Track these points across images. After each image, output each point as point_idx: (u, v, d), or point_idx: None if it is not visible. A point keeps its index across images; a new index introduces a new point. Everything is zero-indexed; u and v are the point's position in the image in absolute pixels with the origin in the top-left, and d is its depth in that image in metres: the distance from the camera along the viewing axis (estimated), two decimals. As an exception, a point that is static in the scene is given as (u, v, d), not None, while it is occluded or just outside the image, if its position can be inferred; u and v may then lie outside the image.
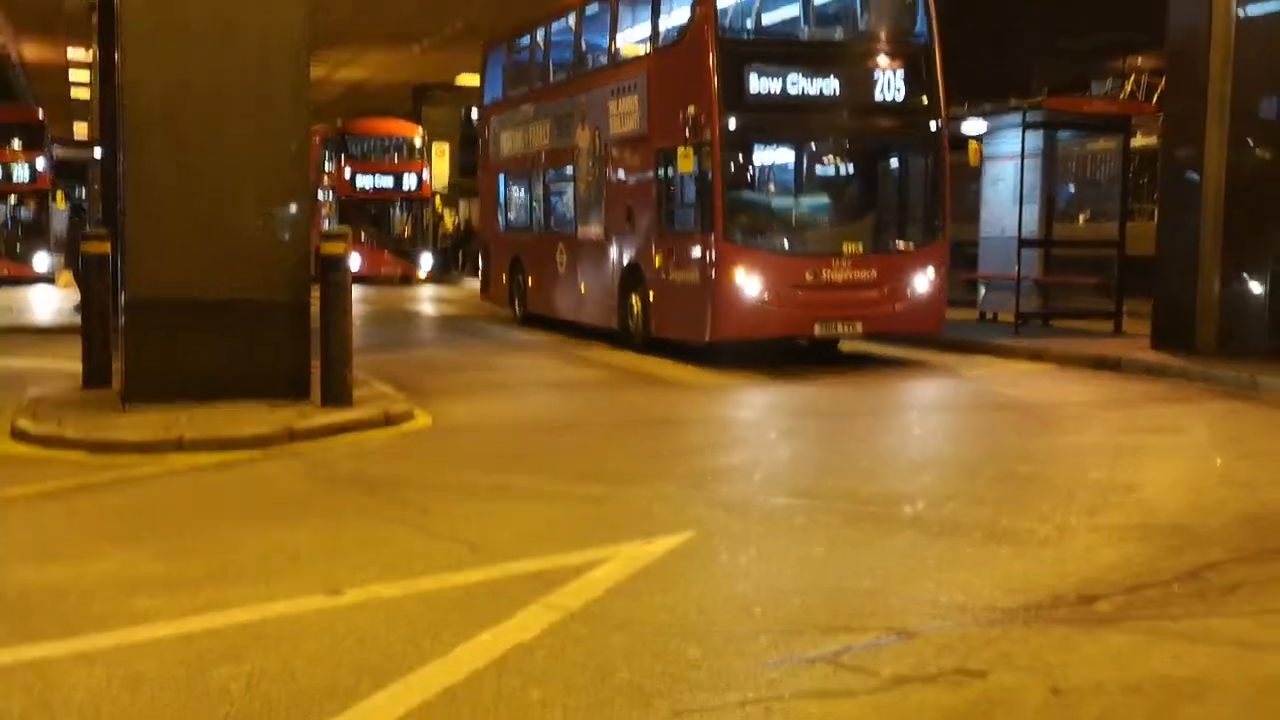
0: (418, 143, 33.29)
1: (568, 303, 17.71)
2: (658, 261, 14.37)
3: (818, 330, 13.30)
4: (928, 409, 11.17)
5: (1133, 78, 33.04)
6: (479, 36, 31.49)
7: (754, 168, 14.61)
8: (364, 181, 32.23)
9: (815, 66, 13.67)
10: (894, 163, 14.65)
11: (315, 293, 10.03)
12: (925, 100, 13.91)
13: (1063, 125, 17.55)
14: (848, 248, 13.45)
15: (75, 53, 33.19)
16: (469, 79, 39.13)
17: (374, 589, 5.47)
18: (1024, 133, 16.20)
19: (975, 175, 16.96)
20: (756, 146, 14.34)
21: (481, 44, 32.47)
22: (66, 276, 24.65)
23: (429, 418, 10.08)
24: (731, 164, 13.47)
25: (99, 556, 6.04)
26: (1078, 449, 9.11)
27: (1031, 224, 16.54)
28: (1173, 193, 14.53)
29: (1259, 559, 5.96)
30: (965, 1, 19.73)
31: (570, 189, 17.51)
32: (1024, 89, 25.69)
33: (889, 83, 13.78)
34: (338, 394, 9.83)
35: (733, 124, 13.12)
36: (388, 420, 9.69)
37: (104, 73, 17.87)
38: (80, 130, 46.93)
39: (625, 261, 15.37)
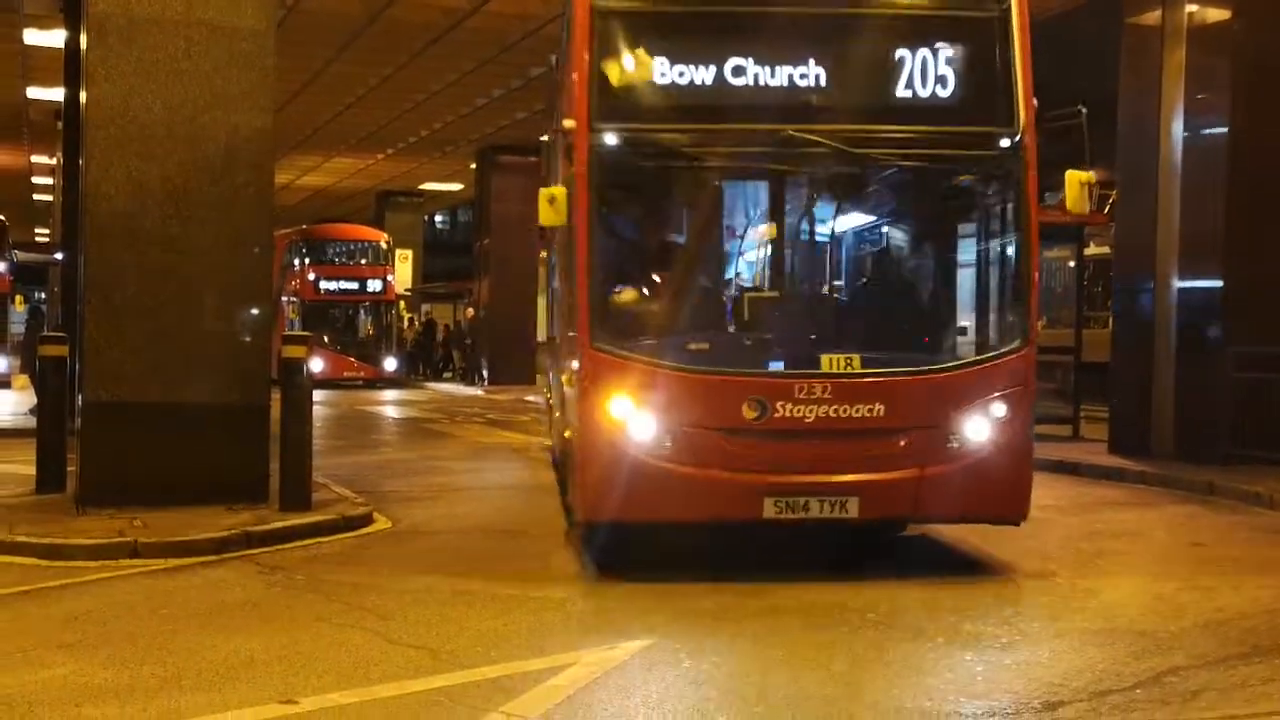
0: (383, 246, 33.48)
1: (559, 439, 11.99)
2: (564, 381, 9.41)
3: (770, 510, 7.62)
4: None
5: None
6: (444, 144, 32.00)
7: (654, 221, 8.89)
8: (328, 285, 32.31)
9: (777, 43, 7.92)
10: (928, 211, 8.83)
11: (276, 396, 9.98)
12: (994, 102, 7.91)
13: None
14: (832, 362, 7.75)
15: (39, 158, 33.28)
16: (432, 185, 39.60)
17: (331, 697, 5.37)
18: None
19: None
20: (659, 184, 8.38)
21: (445, 151, 33.08)
22: (22, 380, 24.41)
23: (388, 521, 9.99)
24: (609, 214, 8.00)
25: (48, 664, 5.90)
26: (1039, 553, 9.12)
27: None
28: (1127, 304, 14.81)
29: (1221, 664, 5.96)
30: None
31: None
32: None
33: (926, 68, 7.84)
34: (296, 498, 9.73)
35: (611, 143, 7.68)
36: (346, 524, 9.59)
37: (68, 177, 17.93)
38: (42, 234, 46.95)
39: (560, 381, 10.38)
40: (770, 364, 8.07)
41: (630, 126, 7.82)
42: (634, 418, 7.63)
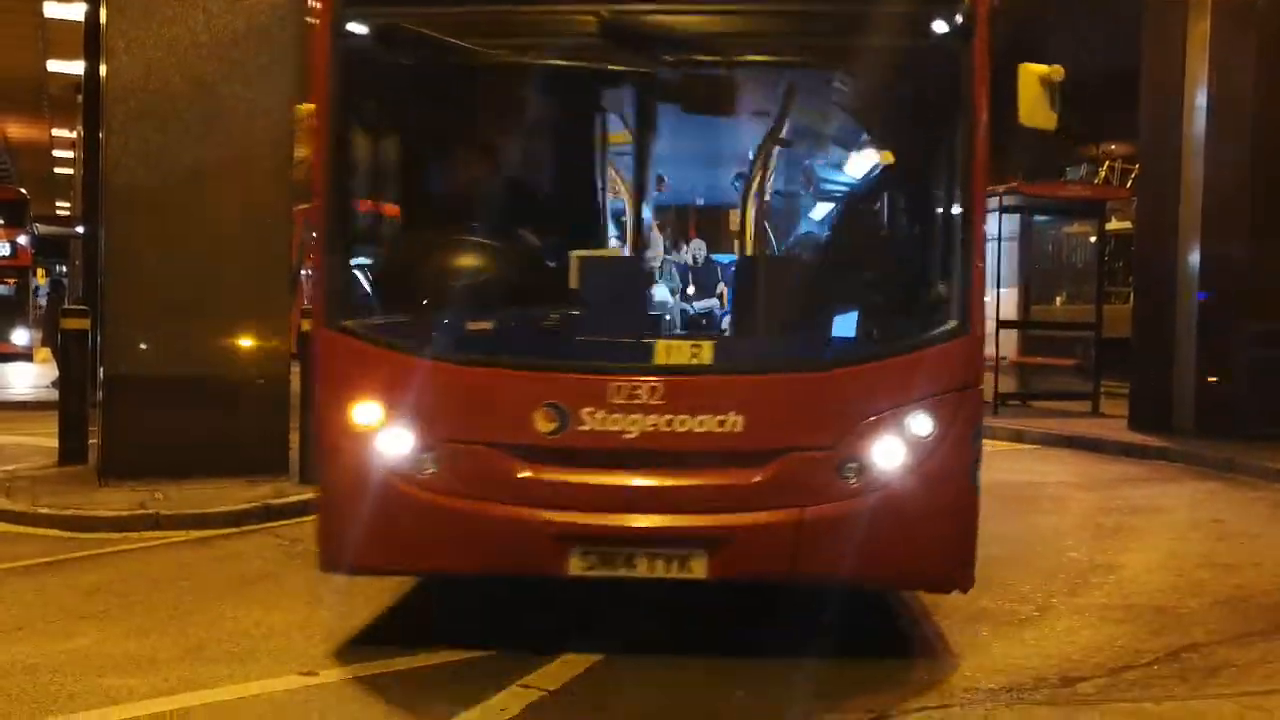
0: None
1: None
2: None
3: (577, 565, 5.28)
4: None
5: (1106, 164, 33.58)
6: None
7: (426, 148, 6.48)
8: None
9: None
10: (825, 132, 6.82)
11: (295, 369, 10.02)
12: None
13: (1039, 210, 17.78)
14: (670, 351, 5.44)
15: (60, 131, 33.40)
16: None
17: (350, 668, 5.40)
18: (1001, 216, 16.40)
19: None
20: (433, 93, 6.08)
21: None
22: (44, 352, 24.56)
23: (408, 495, 10.01)
24: (360, 137, 5.84)
25: (71, 634, 5.95)
26: (1057, 530, 9.10)
27: (1009, 306, 16.71)
28: (1148, 280, 14.73)
29: (1240, 641, 5.95)
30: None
31: None
32: (1000, 174, 26.08)
33: None
34: (316, 471, 9.76)
35: (363, 33, 5.50)
36: (366, 498, 9.62)
37: (88, 150, 17.97)
38: (63, 207, 47.13)
39: None
40: (578, 352, 5.50)
41: (391, 11, 5.52)
42: (384, 427, 5.35)
